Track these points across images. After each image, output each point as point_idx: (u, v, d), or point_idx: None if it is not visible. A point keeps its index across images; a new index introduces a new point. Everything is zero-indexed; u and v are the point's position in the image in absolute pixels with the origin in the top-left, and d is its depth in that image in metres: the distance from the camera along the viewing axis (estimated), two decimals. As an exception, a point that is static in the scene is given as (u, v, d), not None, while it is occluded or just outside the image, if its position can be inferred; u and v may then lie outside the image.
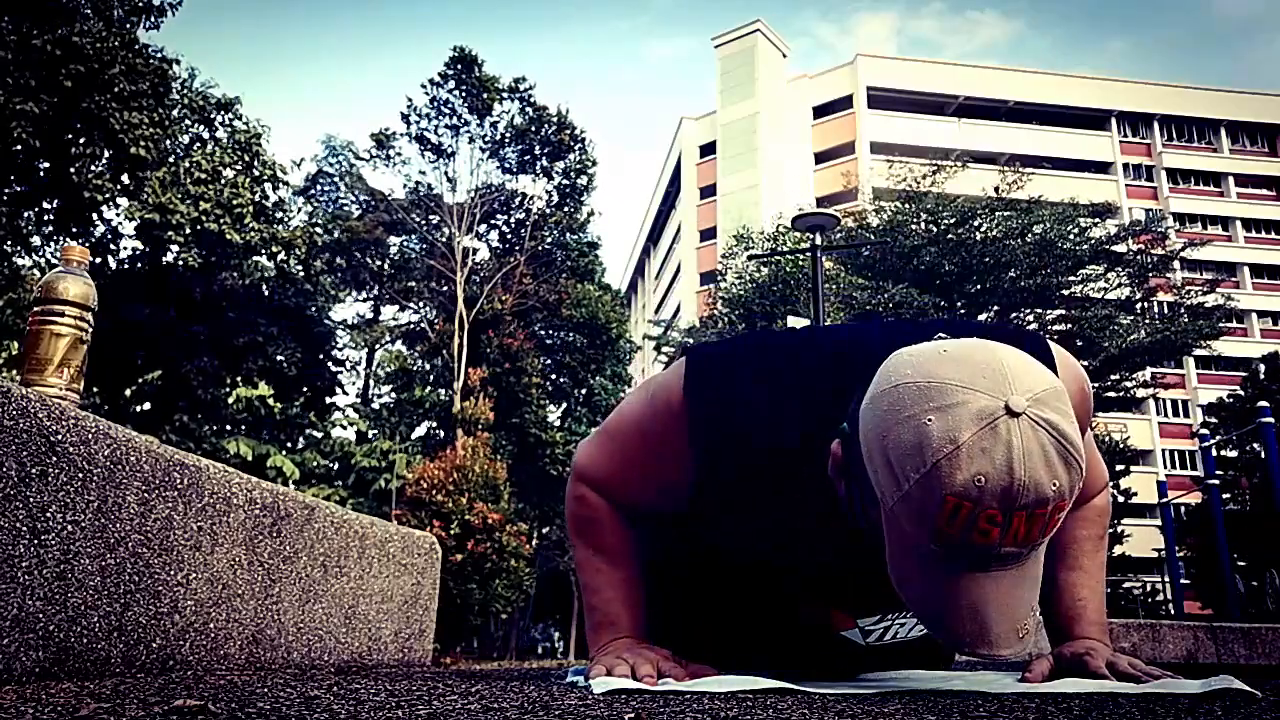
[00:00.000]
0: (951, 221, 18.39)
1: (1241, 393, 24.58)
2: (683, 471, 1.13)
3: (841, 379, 1.01)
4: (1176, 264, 20.59)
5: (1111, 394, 19.79)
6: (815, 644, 1.28)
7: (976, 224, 18.59)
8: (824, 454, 1.01)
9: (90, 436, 1.06)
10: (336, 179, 27.93)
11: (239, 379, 19.36)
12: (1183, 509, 20.70)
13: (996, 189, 19.80)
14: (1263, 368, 25.05)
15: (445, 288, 25.00)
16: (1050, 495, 0.84)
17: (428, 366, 25.23)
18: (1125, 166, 40.17)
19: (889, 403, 0.89)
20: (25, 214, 14.46)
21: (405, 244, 26.94)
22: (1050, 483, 0.83)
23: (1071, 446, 0.85)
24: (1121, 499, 23.06)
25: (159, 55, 14.21)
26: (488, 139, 24.94)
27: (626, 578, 1.24)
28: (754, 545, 1.16)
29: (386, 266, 26.93)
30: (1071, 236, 18.34)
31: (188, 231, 17.37)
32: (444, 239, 25.18)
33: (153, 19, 14.00)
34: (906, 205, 19.19)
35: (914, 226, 18.57)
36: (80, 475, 1.04)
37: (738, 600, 1.28)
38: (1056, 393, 0.87)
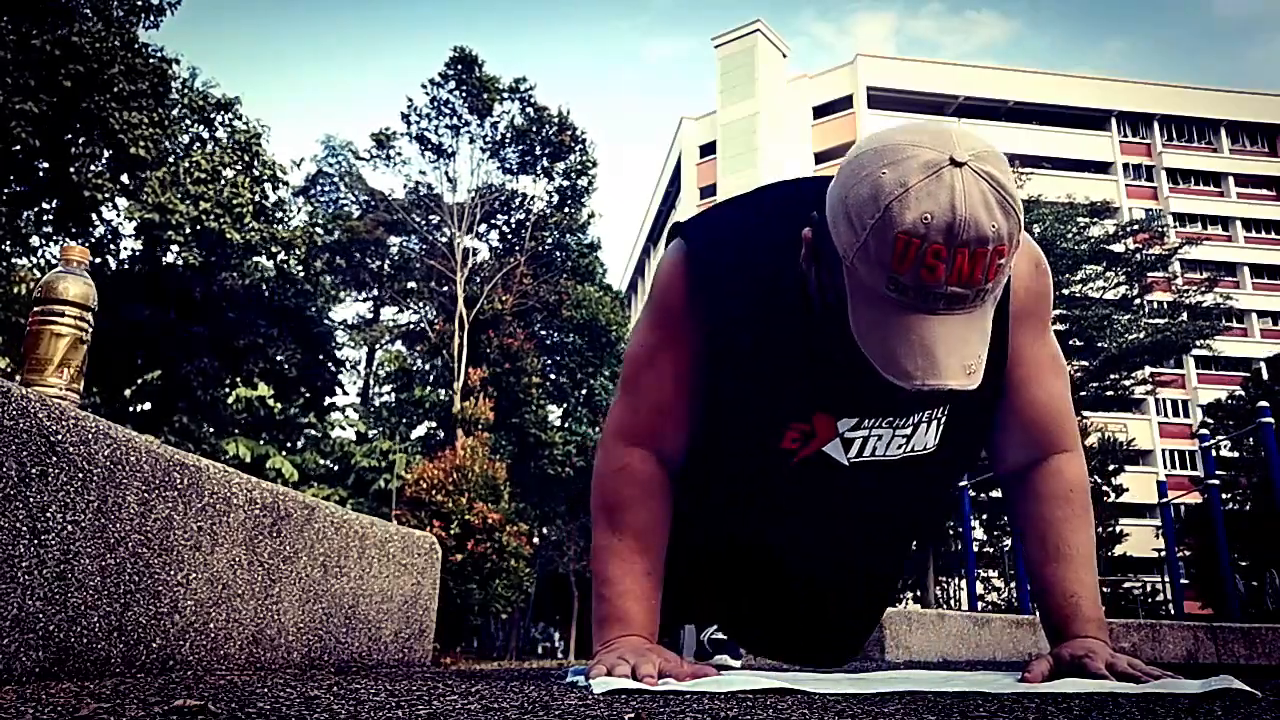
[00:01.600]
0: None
1: (1242, 393, 24.58)
2: (699, 345, 1.19)
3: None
4: (1176, 263, 20.61)
5: (1111, 394, 19.79)
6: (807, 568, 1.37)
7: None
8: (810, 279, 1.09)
9: (90, 436, 1.06)
10: (336, 179, 27.93)
11: (239, 379, 19.35)
12: (1183, 509, 20.68)
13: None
14: (1265, 369, 25.05)
15: (445, 288, 25.00)
16: (989, 235, 0.91)
17: (428, 366, 25.23)
18: (1125, 166, 40.17)
19: (850, 169, 0.98)
20: (25, 214, 14.46)
21: (405, 244, 26.92)
22: (989, 224, 0.91)
23: (1010, 197, 0.94)
24: (1114, 496, 23.07)
25: (158, 55, 14.23)
26: (488, 139, 24.95)
27: (648, 570, 1.21)
28: (759, 389, 1.19)
29: (386, 266, 26.93)
30: (1070, 236, 18.37)
31: (187, 231, 17.35)
32: (444, 239, 25.19)
33: (152, 19, 14.03)
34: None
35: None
36: (80, 475, 1.04)
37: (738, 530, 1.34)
38: (997, 155, 0.96)
